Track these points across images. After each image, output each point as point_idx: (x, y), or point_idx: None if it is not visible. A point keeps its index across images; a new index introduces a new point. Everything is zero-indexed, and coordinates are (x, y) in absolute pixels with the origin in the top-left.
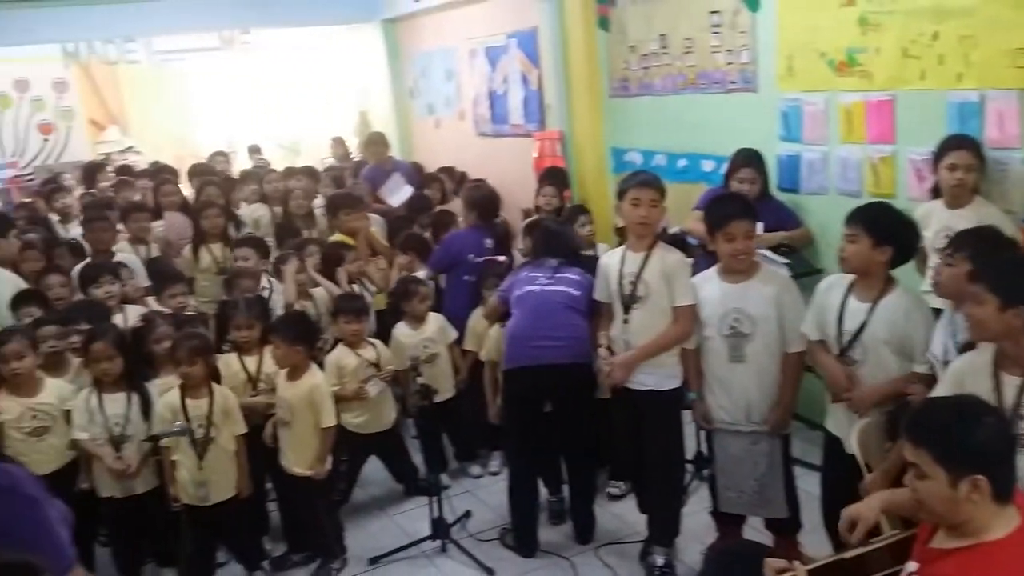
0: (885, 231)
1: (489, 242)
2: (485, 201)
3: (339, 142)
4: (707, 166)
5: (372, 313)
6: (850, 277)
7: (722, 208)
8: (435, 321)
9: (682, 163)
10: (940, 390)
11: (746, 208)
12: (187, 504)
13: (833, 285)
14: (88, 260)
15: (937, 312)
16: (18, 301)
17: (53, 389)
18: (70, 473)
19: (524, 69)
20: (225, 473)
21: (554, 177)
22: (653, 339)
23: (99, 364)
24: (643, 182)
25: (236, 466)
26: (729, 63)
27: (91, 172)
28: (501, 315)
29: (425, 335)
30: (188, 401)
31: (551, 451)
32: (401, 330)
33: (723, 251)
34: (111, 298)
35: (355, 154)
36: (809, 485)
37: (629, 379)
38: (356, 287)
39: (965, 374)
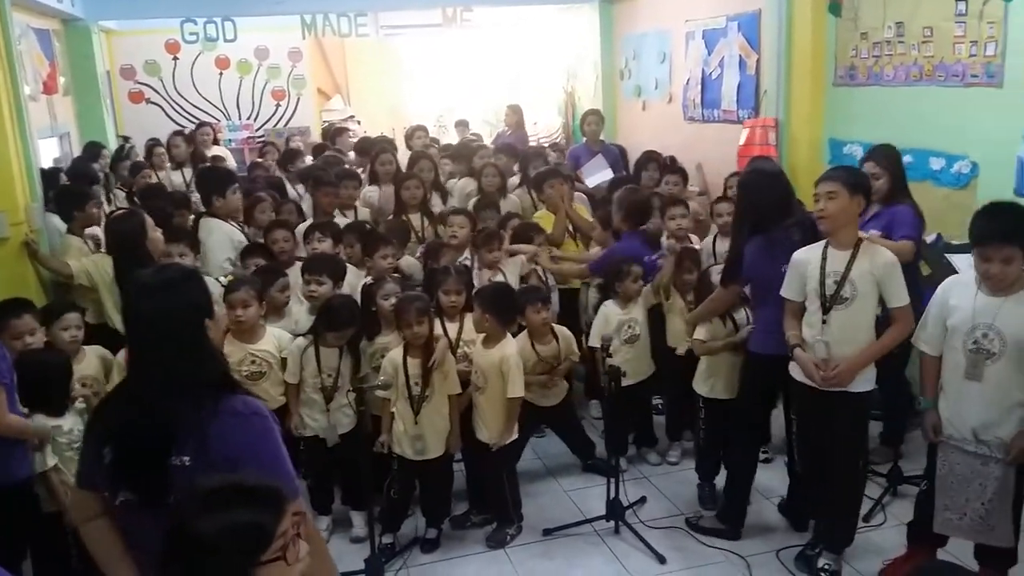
0: None
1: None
2: (637, 206)
3: (515, 110)
4: (935, 164)
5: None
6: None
7: (985, 224)
8: (643, 301)
9: (907, 159)
10: None
11: (1011, 230)
12: (398, 455)
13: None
14: (310, 221)
15: None
16: (246, 253)
17: (272, 338)
18: (280, 417)
19: (743, 53)
20: (438, 430)
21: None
22: (879, 342)
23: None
24: (824, 175)
25: (449, 424)
26: (972, 55)
27: (331, 137)
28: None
29: (632, 315)
30: (409, 359)
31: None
32: (610, 307)
33: (978, 268)
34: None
35: (560, 134)
36: None
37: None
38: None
39: None
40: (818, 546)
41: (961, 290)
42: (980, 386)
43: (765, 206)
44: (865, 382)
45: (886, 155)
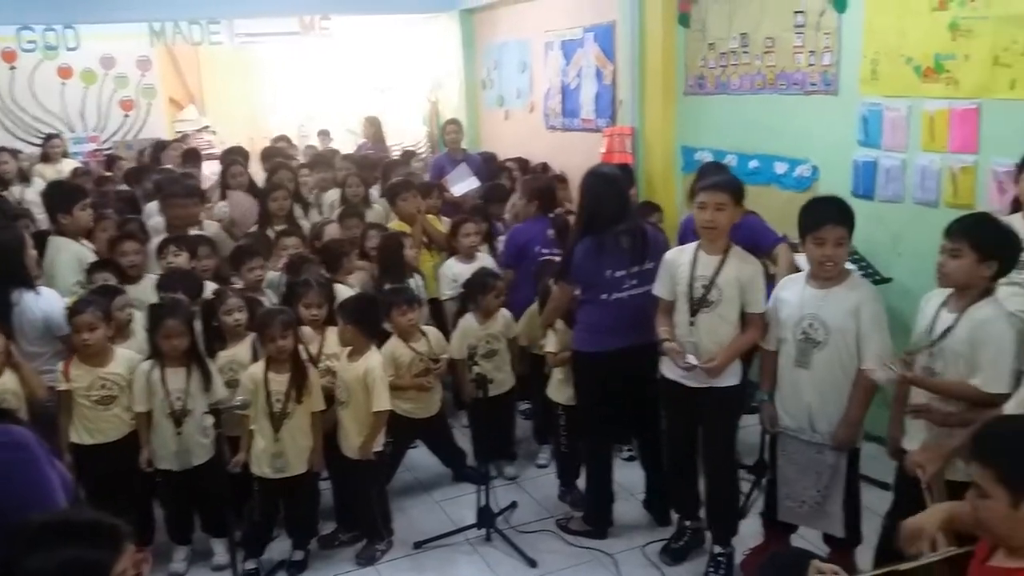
0: (991, 246)
1: (551, 232)
2: (545, 191)
3: (372, 122)
4: (780, 168)
5: (425, 302)
6: (946, 291)
7: (817, 211)
8: (502, 317)
9: (753, 164)
10: (1017, 397)
11: (841, 214)
12: (258, 476)
13: (931, 298)
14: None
15: None
16: (94, 268)
17: (122, 360)
18: (136, 442)
19: (599, 63)
20: (300, 448)
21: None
22: (734, 345)
23: (170, 340)
24: (712, 185)
25: (311, 442)
26: (811, 64)
27: (155, 153)
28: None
29: (490, 331)
30: (271, 375)
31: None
32: (468, 321)
33: (812, 255)
34: (205, 271)
35: (425, 143)
36: (872, 501)
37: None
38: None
39: None
40: (682, 538)
41: (791, 285)
42: (809, 374)
43: (600, 209)
44: (731, 376)
45: (730, 180)
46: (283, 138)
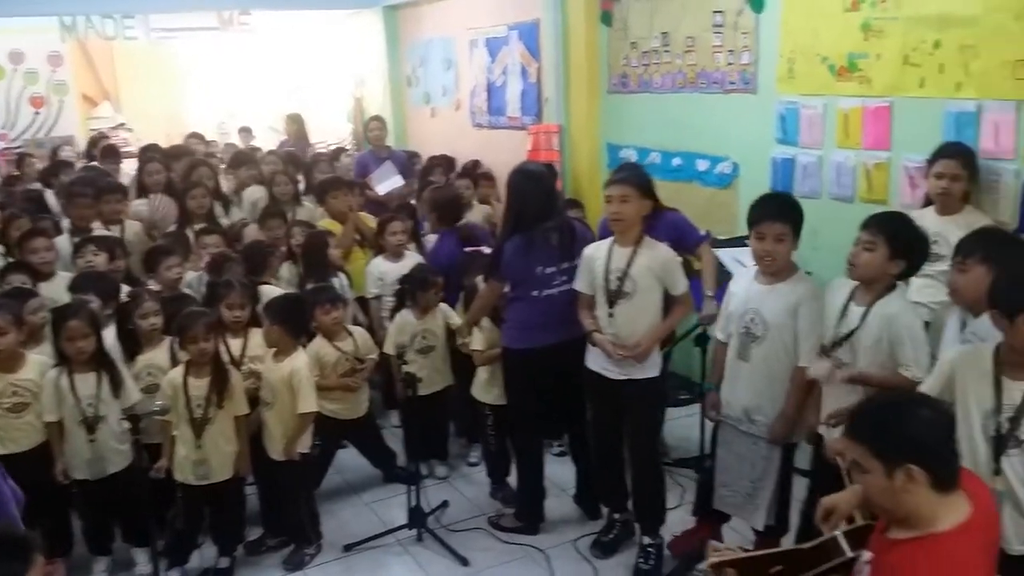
0: (904, 244)
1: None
2: (447, 203)
3: (294, 119)
4: (701, 165)
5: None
6: (854, 283)
7: (758, 206)
8: (440, 313)
9: (676, 162)
10: (930, 381)
11: (782, 210)
12: (181, 482)
13: (837, 288)
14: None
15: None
16: (7, 270)
17: (34, 365)
18: (50, 451)
19: (524, 61)
20: (224, 454)
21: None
22: (666, 320)
23: (74, 343)
24: (616, 179)
25: (235, 446)
26: (729, 63)
27: (53, 153)
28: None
29: (427, 326)
30: (190, 379)
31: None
32: (405, 316)
33: (753, 249)
34: (116, 272)
35: (350, 141)
36: (800, 491)
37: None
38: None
39: (959, 370)
40: (612, 531)
41: (742, 279)
42: (748, 367)
43: (526, 206)
44: (653, 367)
45: (636, 174)
46: (195, 135)
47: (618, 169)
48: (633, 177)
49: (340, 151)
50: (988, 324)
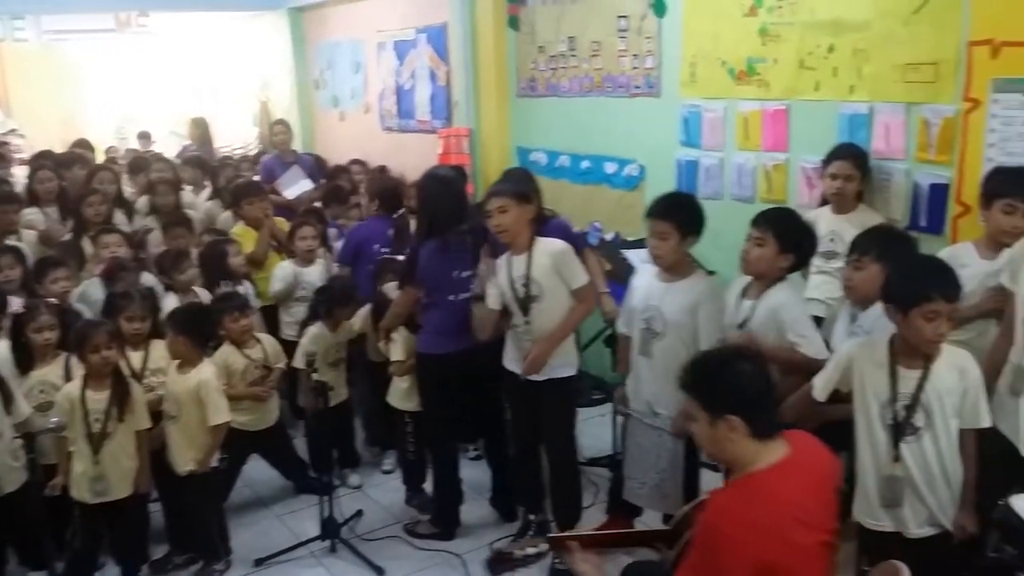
0: (792, 239)
1: (391, 232)
2: (388, 191)
3: (198, 123)
4: (610, 168)
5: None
6: (747, 279)
7: (650, 206)
8: (348, 324)
9: (585, 165)
10: (828, 371)
11: (666, 209)
12: (79, 501)
13: (736, 284)
14: None
15: (817, 320)
16: None
17: None
18: None
19: (432, 65)
20: (123, 469)
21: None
22: (565, 320)
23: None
24: (490, 192)
25: (136, 462)
26: (635, 68)
27: None
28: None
29: (340, 339)
30: (88, 393)
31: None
32: (319, 330)
33: (647, 246)
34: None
35: (256, 144)
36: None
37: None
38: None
39: (856, 361)
40: (527, 532)
41: (644, 276)
42: (650, 362)
43: (439, 211)
44: (567, 367)
45: (511, 183)
46: (82, 142)
47: (497, 180)
48: (507, 187)
49: (260, 155)
50: (874, 317)
